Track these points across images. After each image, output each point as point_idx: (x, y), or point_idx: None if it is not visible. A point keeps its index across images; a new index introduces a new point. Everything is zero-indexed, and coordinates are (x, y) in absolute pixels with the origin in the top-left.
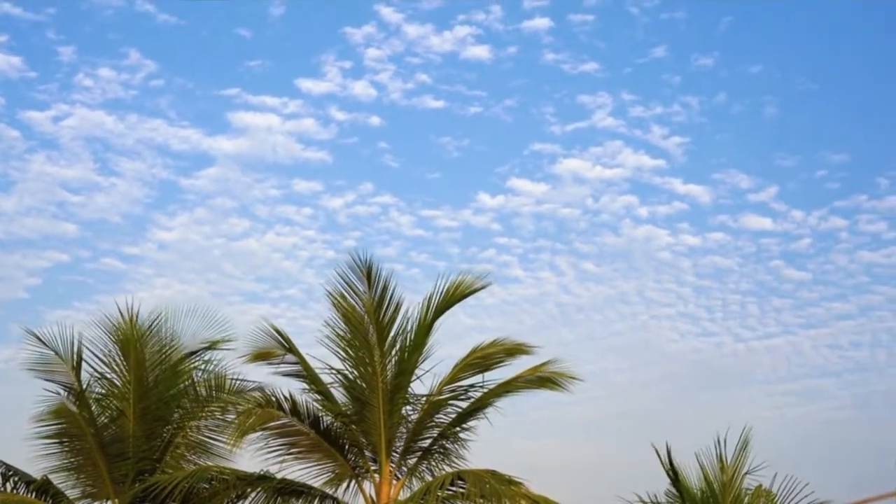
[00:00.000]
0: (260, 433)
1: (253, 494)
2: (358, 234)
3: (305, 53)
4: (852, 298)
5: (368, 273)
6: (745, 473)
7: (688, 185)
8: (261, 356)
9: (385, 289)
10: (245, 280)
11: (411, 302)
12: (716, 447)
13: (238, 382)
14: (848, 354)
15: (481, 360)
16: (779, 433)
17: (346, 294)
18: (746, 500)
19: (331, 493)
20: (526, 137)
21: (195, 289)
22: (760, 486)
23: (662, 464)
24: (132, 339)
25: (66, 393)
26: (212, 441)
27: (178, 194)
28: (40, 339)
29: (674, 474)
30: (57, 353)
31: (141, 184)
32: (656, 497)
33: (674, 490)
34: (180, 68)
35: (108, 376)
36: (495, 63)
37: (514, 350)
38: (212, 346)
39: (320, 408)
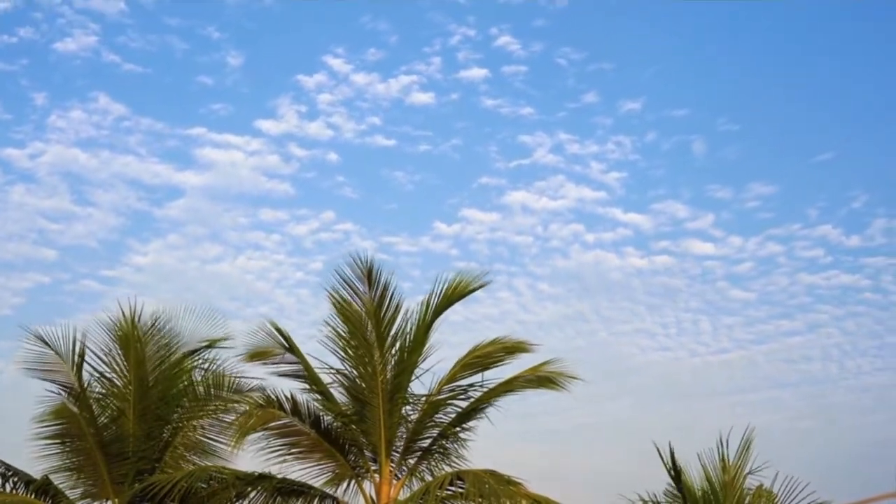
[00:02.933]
0: (261, 433)
1: (253, 494)
2: (324, 257)
3: (263, 98)
4: (799, 316)
5: (369, 273)
6: (748, 474)
7: (628, 213)
8: (259, 354)
9: (385, 289)
10: (220, 299)
11: (411, 302)
12: (718, 447)
13: (238, 381)
14: (801, 368)
15: (481, 358)
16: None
17: (345, 294)
18: (748, 500)
19: (331, 492)
20: (474, 172)
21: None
22: (761, 485)
23: (664, 464)
24: (133, 339)
25: (66, 393)
26: (211, 441)
27: (151, 223)
28: (42, 339)
29: (676, 474)
30: (58, 353)
31: (116, 213)
32: (656, 497)
33: (674, 490)
34: (147, 110)
35: (109, 376)
36: (438, 107)
37: (514, 348)
38: (212, 344)
39: (321, 407)
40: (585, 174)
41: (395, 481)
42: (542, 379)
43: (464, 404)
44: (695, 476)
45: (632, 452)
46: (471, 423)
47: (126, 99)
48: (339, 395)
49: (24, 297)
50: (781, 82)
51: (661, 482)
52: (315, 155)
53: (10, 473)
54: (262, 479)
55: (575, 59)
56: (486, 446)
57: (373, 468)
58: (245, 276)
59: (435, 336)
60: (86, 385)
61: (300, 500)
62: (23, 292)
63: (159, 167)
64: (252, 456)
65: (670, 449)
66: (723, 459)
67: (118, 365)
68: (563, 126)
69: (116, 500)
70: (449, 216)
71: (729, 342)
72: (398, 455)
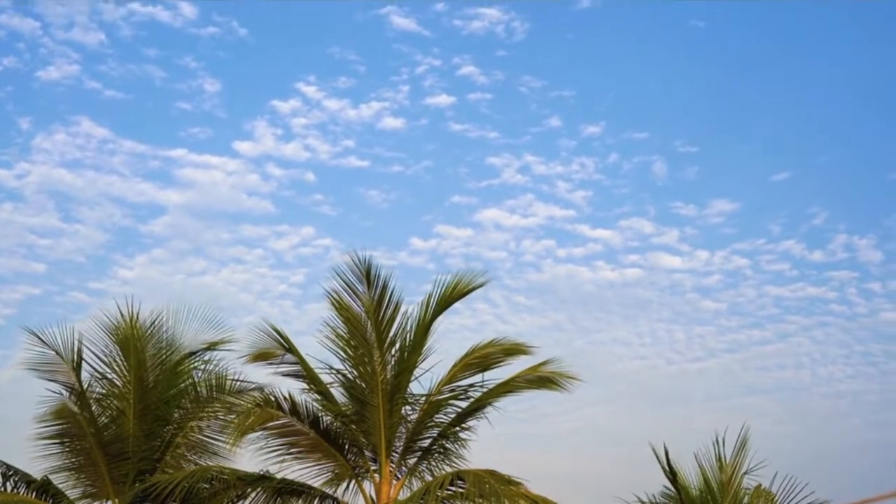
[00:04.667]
0: (260, 433)
1: (253, 494)
2: (306, 270)
3: (239, 121)
4: (769, 326)
5: (368, 273)
6: (744, 473)
7: (597, 229)
8: (261, 356)
9: (384, 289)
10: (206, 310)
11: (411, 302)
12: (714, 447)
13: (238, 383)
14: (776, 375)
15: (480, 359)
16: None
17: (345, 294)
18: (745, 499)
19: (331, 493)
20: (446, 192)
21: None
22: (760, 485)
23: (661, 464)
24: (132, 339)
25: (66, 393)
26: (212, 441)
27: (136, 238)
28: (41, 340)
29: (672, 475)
30: (58, 353)
31: (102, 230)
32: (654, 498)
33: (668, 491)
34: (130, 133)
35: (109, 376)
36: (409, 131)
37: (513, 350)
38: (211, 346)
39: (320, 408)
40: (553, 193)
41: (395, 481)
42: (542, 379)
43: (463, 404)
44: (690, 476)
45: (615, 457)
46: (470, 423)
47: (109, 123)
48: (338, 395)
49: (14, 308)
50: (736, 105)
51: (649, 485)
52: (293, 174)
53: (10, 473)
54: (263, 479)
55: (536, 87)
56: (476, 451)
57: (373, 468)
58: (229, 289)
59: (434, 337)
60: (86, 385)
61: (300, 500)
62: (13, 303)
63: (143, 186)
64: (252, 456)
65: (665, 450)
66: (719, 459)
67: (118, 365)
68: (529, 148)
69: (117, 500)
70: (424, 232)
71: (702, 351)
72: (398, 455)
